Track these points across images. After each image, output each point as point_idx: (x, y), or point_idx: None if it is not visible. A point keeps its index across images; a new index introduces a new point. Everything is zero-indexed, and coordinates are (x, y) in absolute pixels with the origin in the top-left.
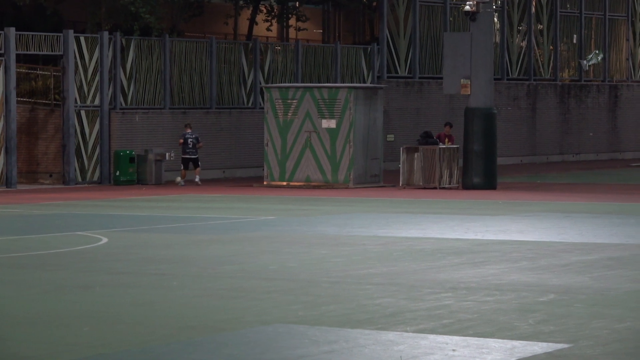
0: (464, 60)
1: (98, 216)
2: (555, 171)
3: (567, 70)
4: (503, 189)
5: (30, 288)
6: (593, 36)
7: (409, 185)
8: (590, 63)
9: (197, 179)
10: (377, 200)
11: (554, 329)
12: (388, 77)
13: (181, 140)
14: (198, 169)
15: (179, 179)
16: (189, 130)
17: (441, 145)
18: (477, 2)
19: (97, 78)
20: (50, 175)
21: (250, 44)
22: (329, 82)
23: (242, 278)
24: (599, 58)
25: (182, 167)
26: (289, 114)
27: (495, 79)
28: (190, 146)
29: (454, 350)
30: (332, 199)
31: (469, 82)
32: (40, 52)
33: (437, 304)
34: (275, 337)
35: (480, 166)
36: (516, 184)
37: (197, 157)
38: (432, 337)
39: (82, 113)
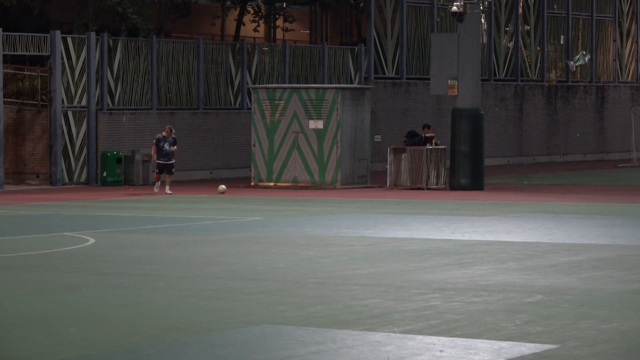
0: (451, 61)
1: (85, 217)
2: (542, 172)
3: (554, 71)
4: (490, 189)
5: (17, 289)
6: (580, 37)
7: (397, 186)
8: (577, 64)
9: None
10: (364, 201)
11: (541, 329)
12: (375, 78)
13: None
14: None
15: (166, 187)
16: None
17: (428, 146)
18: (464, 3)
19: (84, 79)
20: (38, 176)
21: (238, 45)
22: (317, 83)
23: (229, 279)
24: (586, 59)
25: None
26: (277, 115)
27: (482, 80)
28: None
29: (441, 351)
30: (319, 199)
31: (456, 83)
32: (27, 53)
33: (425, 305)
34: (262, 338)
35: (467, 167)
36: (503, 185)
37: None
38: (419, 337)
39: (69, 114)
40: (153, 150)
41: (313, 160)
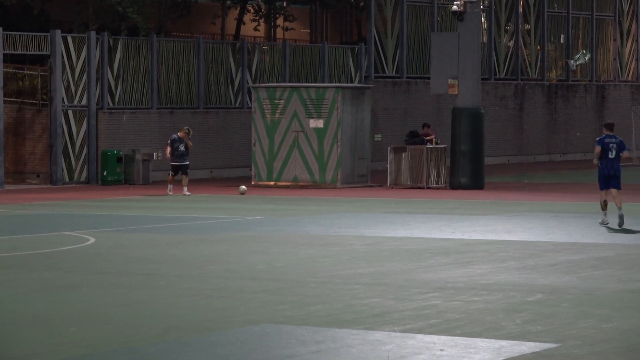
0: (451, 60)
1: (85, 216)
2: (542, 171)
3: (554, 70)
4: (490, 189)
5: (17, 288)
6: (580, 36)
7: (397, 185)
8: (577, 63)
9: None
10: (364, 200)
11: (541, 328)
12: (375, 77)
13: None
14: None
15: (184, 189)
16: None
17: (429, 145)
18: (464, 2)
19: (85, 78)
20: (38, 176)
21: (238, 44)
22: (317, 82)
23: (230, 278)
24: (586, 58)
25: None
26: (277, 114)
27: (482, 79)
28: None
29: (441, 350)
30: (319, 199)
31: (457, 82)
32: (28, 52)
33: (425, 304)
34: (262, 337)
35: (467, 166)
36: (503, 184)
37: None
38: (419, 337)
39: (70, 113)
40: (167, 151)
41: (313, 160)
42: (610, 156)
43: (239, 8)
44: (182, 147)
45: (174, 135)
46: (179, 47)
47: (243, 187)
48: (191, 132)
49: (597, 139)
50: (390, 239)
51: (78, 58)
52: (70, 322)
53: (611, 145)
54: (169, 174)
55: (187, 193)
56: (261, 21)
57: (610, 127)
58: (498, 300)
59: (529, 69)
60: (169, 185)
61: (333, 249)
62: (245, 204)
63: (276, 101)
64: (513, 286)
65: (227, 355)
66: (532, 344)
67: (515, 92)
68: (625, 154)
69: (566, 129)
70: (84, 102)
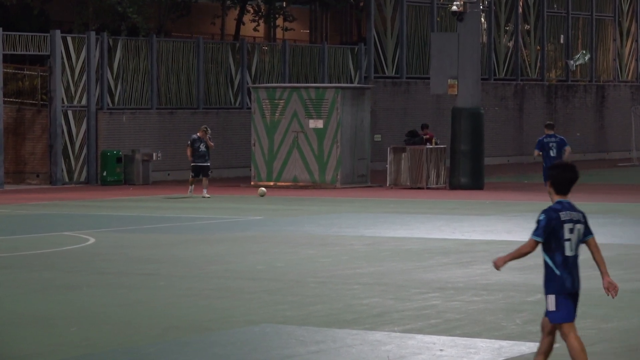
0: (451, 60)
1: (85, 216)
2: (542, 171)
3: (554, 71)
4: (490, 189)
5: (17, 288)
6: (580, 36)
7: (397, 185)
8: (577, 63)
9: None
10: (364, 200)
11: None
12: (375, 77)
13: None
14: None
15: (203, 191)
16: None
17: (428, 146)
18: (464, 2)
19: (84, 78)
20: (38, 176)
21: (238, 44)
22: (316, 82)
23: (230, 278)
24: (586, 58)
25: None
26: (277, 114)
27: (482, 79)
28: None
29: (441, 350)
30: (319, 199)
31: (456, 82)
32: (27, 52)
33: (425, 304)
34: (262, 337)
35: (467, 166)
36: (503, 184)
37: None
38: (419, 337)
39: (69, 113)
40: (189, 152)
41: (313, 160)
42: (551, 154)
43: (238, 8)
44: (202, 147)
45: (194, 136)
46: (179, 47)
47: (263, 189)
48: (209, 131)
49: (538, 140)
50: (390, 239)
51: (78, 58)
52: (70, 322)
53: (551, 144)
54: (190, 176)
55: (207, 195)
56: (261, 21)
57: (550, 127)
58: (498, 301)
59: (528, 69)
60: (190, 187)
61: (333, 249)
62: (246, 204)
63: (276, 101)
64: (513, 286)
65: (227, 355)
66: (532, 344)
67: (515, 92)
68: (567, 149)
69: (566, 130)
70: (83, 102)
